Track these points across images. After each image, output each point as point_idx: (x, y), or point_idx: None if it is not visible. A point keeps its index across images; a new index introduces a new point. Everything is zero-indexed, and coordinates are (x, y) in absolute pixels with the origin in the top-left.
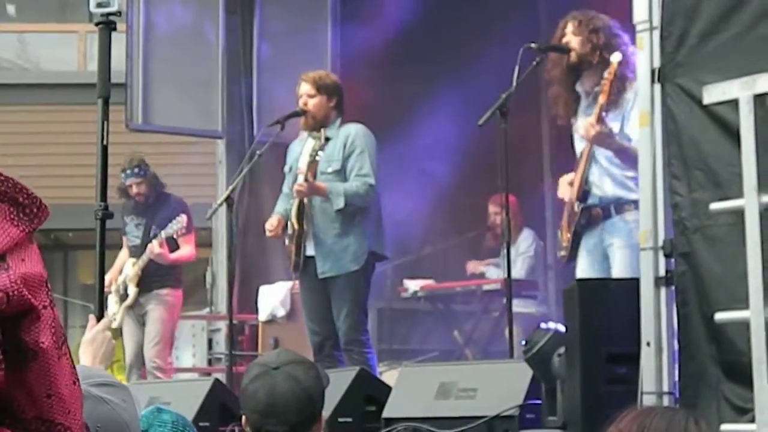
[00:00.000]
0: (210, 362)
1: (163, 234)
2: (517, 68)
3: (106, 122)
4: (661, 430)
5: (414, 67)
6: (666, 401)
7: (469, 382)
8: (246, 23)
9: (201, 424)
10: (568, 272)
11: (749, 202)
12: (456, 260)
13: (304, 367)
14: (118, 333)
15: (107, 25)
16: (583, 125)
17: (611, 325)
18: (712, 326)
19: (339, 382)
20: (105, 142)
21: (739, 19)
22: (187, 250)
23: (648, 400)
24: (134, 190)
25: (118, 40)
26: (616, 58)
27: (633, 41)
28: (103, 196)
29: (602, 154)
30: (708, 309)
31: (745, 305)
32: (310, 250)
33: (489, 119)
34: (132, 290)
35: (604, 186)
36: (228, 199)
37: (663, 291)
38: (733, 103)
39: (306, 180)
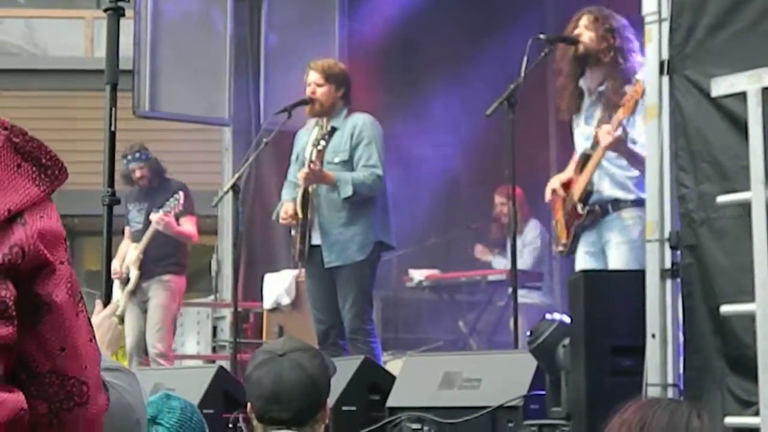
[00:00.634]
0: (214, 349)
1: (161, 212)
2: (525, 59)
3: (114, 108)
4: (663, 422)
5: (421, 57)
6: (671, 393)
7: (473, 372)
8: (254, 11)
9: (205, 411)
10: (573, 264)
11: (756, 195)
12: (461, 250)
13: (309, 354)
14: (121, 319)
15: (116, 12)
16: (600, 133)
17: (616, 316)
18: (717, 319)
19: (343, 370)
20: (113, 128)
21: (748, 12)
22: (189, 227)
23: (653, 392)
24: (137, 174)
25: (125, 27)
26: (643, 76)
27: (642, 49)
28: (111, 182)
29: (605, 156)
30: (714, 302)
31: (750, 298)
32: (315, 239)
33: (497, 110)
34: (134, 273)
35: (602, 186)
36: (234, 187)
37: (669, 283)
38: (741, 96)
39: (312, 165)
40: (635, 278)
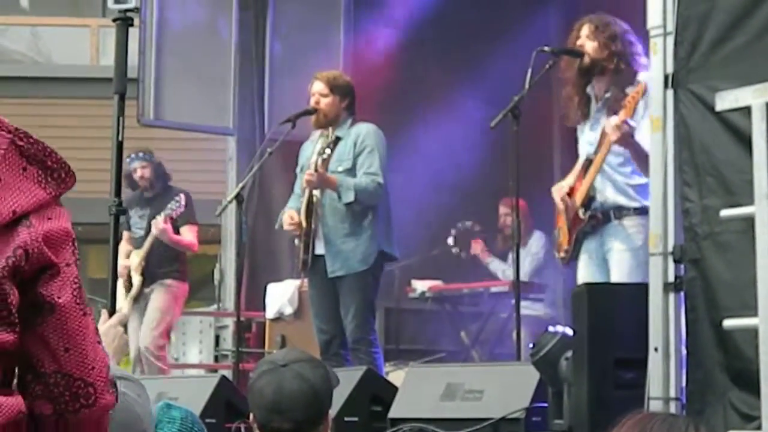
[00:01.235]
0: (216, 359)
1: (162, 214)
2: (530, 71)
3: (121, 118)
4: None
5: (425, 68)
6: (673, 407)
7: (475, 383)
8: (259, 20)
9: (207, 420)
10: (576, 274)
11: (760, 209)
12: (465, 261)
13: (311, 365)
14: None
15: (124, 21)
16: (607, 126)
17: (619, 329)
18: (720, 333)
19: (345, 381)
20: (120, 138)
21: (752, 26)
22: (188, 237)
23: (655, 406)
24: (138, 173)
25: (130, 35)
26: (645, 77)
27: (646, 51)
28: (118, 191)
29: (606, 162)
30: (717, 315)
31: (754, 312)
32: (319, 249)
33: (501, 121)
34: (136, 279)
35: (605, 192)
36: (238, 197)
37: (672, 297)
38: (746, 110)
39: (316, 170)
40: (638, 291)
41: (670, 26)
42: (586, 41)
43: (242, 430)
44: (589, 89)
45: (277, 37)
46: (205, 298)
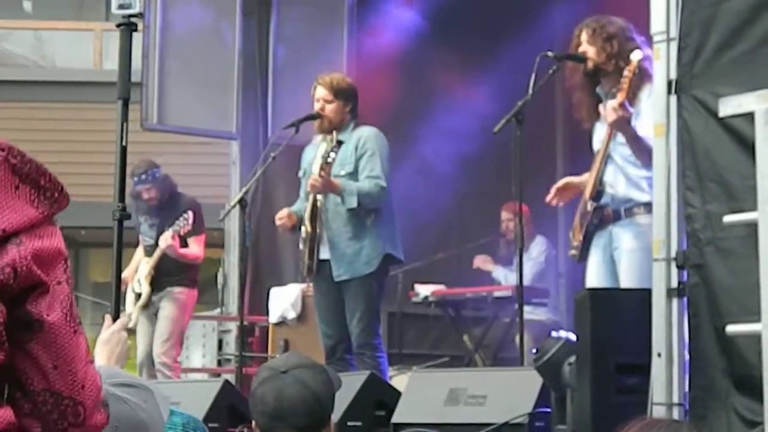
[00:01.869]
0: (220, 363)
1: (171, 230)
2: (533, 76)
3: (125, 123)
4: None
5: (428, 73)
6: (676, 413)
7: (478, 388)
8: (262, 25)
9: (210, 425)
10: (579, 280)
11: (763, 215)
12: (468, 266)
13: (312, 370)
14: (132, 332)
15: (128, 27)
16: (605, 109)
17: (622, 335)
18: (723, 339)
19: (349, 386)
20: (124, 143)
21: (756, 32)
22: (195, 249)
23: (658, 411)
24: (145, 196)
25: (134, 40)
26: (636, 56)
27: (648, 43)
28: (122, 196)
29: (618, 153)
30: (720, 321)
31: (757, 318)
32: (324, 254)
33: (504, 126)
34: (146, 289)
35: (617, 185)
36: (241, 201)
37: (675, 302)
38: (749, 116)
39: (321, 175)
40: (641, 297)
41: (674, 32)
42: (587, 46)
43: None
44: (598, 89)
45: (280, 42)
46: (209, 302)
